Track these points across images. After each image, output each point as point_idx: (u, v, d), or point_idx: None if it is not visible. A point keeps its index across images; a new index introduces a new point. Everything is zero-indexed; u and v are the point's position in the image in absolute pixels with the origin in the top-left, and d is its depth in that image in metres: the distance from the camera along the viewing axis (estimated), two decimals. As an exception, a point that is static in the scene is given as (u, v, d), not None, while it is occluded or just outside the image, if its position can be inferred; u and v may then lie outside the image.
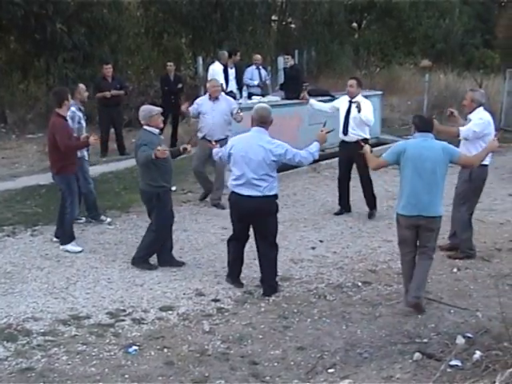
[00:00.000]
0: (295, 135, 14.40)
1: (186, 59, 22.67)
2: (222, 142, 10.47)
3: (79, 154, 9.13)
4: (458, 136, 8.14)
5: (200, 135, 10.69)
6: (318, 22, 25.24)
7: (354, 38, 29.67)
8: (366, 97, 11.03)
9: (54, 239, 8.87)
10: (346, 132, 10.21)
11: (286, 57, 16.07)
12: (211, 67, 15.11)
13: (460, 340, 5.99)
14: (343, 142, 10.33)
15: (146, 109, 8.04)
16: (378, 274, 7.97)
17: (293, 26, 27.07)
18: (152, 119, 7.86)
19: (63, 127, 8.44)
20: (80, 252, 8.50)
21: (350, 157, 10.13)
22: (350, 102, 10.21)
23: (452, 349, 5.80)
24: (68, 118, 8.95)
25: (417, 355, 5.75)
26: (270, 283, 7.34)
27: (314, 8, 25.11)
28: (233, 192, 7.22)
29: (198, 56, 19.86)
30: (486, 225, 9.58)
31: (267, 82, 16.40)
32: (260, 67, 16.01)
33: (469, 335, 6.12)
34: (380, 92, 17.79)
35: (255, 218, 7.15)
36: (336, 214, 10.49)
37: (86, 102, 9.90)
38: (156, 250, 8.09)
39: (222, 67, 14.79)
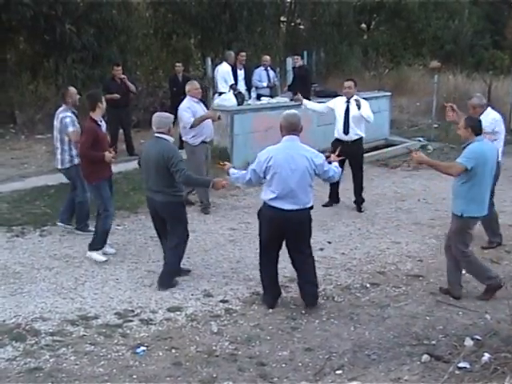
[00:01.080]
0: (304, 136, 14.39)
1: (195, 60, 22.68)
2: (209, 144, 10.44)
3: (76, 160, 8.98)
4: None
5: (197, 140, 10.22)
6: (326, 23, 25.24)
7: (362, 38, 29.63)
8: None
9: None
10: (346, 132, 10.47)
11: (296, 57, 16.11)
12: (218, 67, 15.12)
13: (468, 342, 5.97)
14: (338, 140, 10.46)
15: (167, 116, 7.59)
16: (386, 276, 7.95)
17: (301, 26, 27.07)
18: (171, 127, 7.50)
19: (90, 132, 8.17)
20: (105, 261, 8.25)
21: (345, 155, 10.26)
22: (348, 102, 10.48)
23: (460, 351, 5.79)
24: (68, 122, 8.90)
25: (425, 357, 5.75)
26: (312, 291, 6.99)
27: (323, 9, 25.12)
28: (269, 206, 6.68)
29: (207, 57, 19.85)
30: (494, 226, 9.55)
31: (276, 83, 16.38)
32: (268, 68, 15.99)
33: (477, 337, 6.11)
34: (389, 93, 17.78)
35: (293, 232, 6.73)
36: (324, 205, 10.79)
37: (78, 106, 9.44)
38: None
39: (229, 67, 14.78)
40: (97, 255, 8.30)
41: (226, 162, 7.50)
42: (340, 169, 7.11)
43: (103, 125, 8.52)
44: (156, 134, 7.43)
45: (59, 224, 9.43)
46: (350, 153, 10.08)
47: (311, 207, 6.82)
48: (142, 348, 5.98)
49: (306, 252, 6.98)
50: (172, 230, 7.53)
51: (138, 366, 5.69)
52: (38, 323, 6.46)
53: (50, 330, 6.31)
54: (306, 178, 6.60)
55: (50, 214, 9.93)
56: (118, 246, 8.82)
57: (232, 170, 7.23)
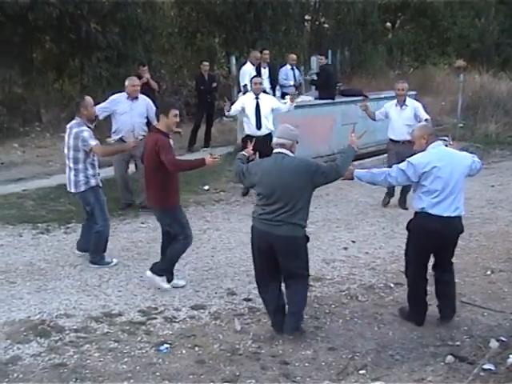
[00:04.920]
0: (329, 135, 14.39)
1: (219, 59, 22.73)
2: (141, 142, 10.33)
3: (93, 181, 7.86)
4: (374, 118, 11.09)
5: (116, 137, 9.94)
6: (351, 22, 25.15)
7: (387, 37, 29.47)
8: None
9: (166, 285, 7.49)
10: (259, 127, 11.13)
11: (320, 57, 16.11)
12: (242, 68, 15.15)
13: (493, 343, 5.92)
14: (249, 136, 10.83)
15: (291, 129, 6.18)
16: (410, 276, 7.89)
17: (326, 25, 26.95)
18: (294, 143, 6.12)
19: (168, 143, 7.04)
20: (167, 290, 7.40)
21: (257, 149, 10.86)
22: (257, 98, 11.19)
23: (485, 352, 5.75)
24: (87, 136, 7.70)
25: (449, 358, 5.70)
26: (449, 314, 6.58)
27: (348, 8, 25.02)
28: (427, 214, 6.21)
29: (231, 55, 19.90)
30: (520, 227, 9.49)
31: (300, 81, 16.37)
32: (294, 67, 15.99)
33: (502, 339, 6.05)
34: (414, 92, 17.64)
35: (448, 242, 6.37)
36: (244, 194, 11.43)
37: (93, 120, 8.30)
38: None
39: (251, 67, 14.78)
40: (164, 283, 7.37)
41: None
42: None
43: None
44: (276, 150, 6.12)
45: (76, 252, 8.41)
46: (262, 146, 10.49)
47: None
48: (166, 346, 6.00)
49: (452, 268, 6.65)
50: (292, 271, 6.16)
51: (162, 363, 5.70)
52: (63, 320, 6.50)
53: (74, 327, 6.35)
54: (461, 183, 6.29)
55: (74, 212, 9.99)
56: (141, 244, 8.87)
57: (357, 170, 6.58)
